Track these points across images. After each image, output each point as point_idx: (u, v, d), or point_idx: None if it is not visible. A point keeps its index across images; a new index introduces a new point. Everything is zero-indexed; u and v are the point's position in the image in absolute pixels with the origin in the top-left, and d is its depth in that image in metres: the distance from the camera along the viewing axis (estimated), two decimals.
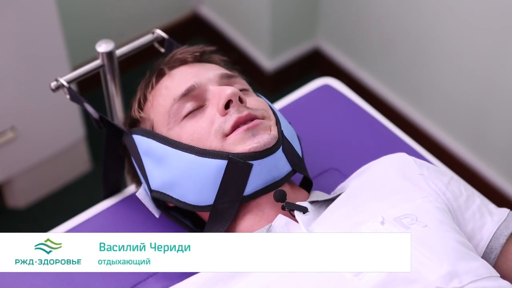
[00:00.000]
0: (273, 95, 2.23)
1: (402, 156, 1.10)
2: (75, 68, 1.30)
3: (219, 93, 1.05)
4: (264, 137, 1.01)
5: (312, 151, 1.28)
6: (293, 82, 2.28)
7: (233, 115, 1.02)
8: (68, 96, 1.18)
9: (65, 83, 1.18)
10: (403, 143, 1.31)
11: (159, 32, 1.25)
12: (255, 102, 1.08)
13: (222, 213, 1.02)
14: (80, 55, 2.07)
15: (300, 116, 1.35)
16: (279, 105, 1.39)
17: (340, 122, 1.35)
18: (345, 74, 2.25)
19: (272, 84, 2.30)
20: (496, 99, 1.85)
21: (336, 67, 2.28)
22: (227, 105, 1.03)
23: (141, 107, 1.13)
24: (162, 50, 1.25)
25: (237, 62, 2.57)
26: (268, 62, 2.26)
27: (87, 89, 2.14)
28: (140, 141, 1.09)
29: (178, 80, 1.09)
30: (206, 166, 1.01)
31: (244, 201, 1.02)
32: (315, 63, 2.35)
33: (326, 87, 1.42)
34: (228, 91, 1.03)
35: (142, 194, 1.09)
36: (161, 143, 1.06)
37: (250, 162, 1.00)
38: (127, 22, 2.26)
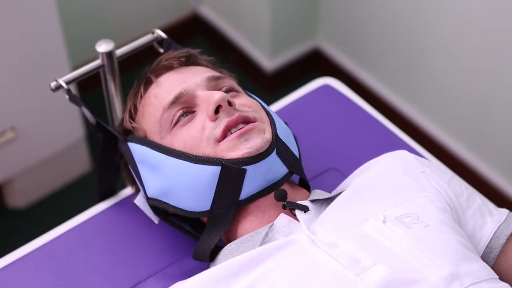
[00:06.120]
0: (273, 95, 2.23)
1: (403, 154, 1.10)
2: (75, 68, 1.30)
3: (207, 98, 1.04)
4: (257, 141, 1.01)
5: (312, 151, 1.28)
6: (293, 82, 2.28)
7: (223, 120, 1.02)
8: (67, 97, 1.18)
9: (64, 85, 1.17)
10: (403, 143, 1.31)
11: (159, 32, 1.25)
12: (246, 102, 1.07)
13: (219, 218, 1.02)
14: (80, 55, 2.07)
15: (300, 116, 1.35)
16: (279, 105, 1.38)
17: (340, 122, 1.35)
18: (345, 74, 2.25)
19: (272, 84, 2.30)
20: (496, 99, 1.85)
21: (336, 67, 2.28)
22: (216, 110, 1.03)
23: (132, 118, 1.12)
24: (161, 50, 1.25)
25: (237, 62, 2.57)
26: (268, 62, 2.26)
27: (87, 89, 2.14)
28: (135, 149, 1.09)
29: (166, 87, 1.09)
30: (200, 173, 1.01)
31: (240, 205, 1.02)
32: (315, 63, 2.35)
33: (326, 87, 1.42)
34: (217, 96, 1.02)
35: (140, 201, 1.10)
36: (155, 150, 1.05)
37: (244, 167, 1.00)
38: (127, 22, 2.26)
